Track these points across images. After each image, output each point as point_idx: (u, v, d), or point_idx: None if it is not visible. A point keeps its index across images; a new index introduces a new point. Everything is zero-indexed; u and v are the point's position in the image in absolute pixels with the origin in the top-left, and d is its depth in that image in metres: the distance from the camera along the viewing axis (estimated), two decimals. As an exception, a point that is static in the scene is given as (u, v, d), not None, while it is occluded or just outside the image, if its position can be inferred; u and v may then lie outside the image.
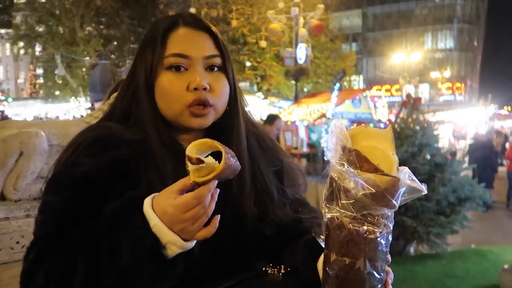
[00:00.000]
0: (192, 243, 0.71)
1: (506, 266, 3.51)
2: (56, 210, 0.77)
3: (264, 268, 0.88)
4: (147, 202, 0.70)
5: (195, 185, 0.68)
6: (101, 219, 0.72)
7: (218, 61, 0.87)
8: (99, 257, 0.69)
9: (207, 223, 0.70)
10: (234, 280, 0.84)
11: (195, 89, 0.83)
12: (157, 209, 0.69)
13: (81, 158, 0.79)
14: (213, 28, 0.89)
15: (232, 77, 0.90)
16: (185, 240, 0.69)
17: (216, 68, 0.87)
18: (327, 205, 0.69)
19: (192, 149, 0.69)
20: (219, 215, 0.71)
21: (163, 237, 0.68)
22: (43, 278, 0.71)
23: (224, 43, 0.90)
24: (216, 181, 0.68)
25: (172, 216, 0.67)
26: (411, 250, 4.59)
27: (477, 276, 3.97)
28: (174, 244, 0.68)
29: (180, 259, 0.71)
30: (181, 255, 0.71)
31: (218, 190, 0.70)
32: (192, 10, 16.79)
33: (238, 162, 0.70)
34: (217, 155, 0.69)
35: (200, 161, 0.67)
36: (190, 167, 0.68)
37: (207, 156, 0.70)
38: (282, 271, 0.87)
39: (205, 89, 0.83)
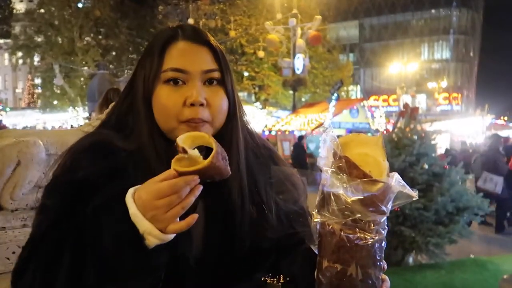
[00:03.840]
0: (170, 236, 0.69)
1: (505, 276, 3.49)
2: (52, 212, 0.77)
3: (263, 278, 0.87)
4: (130, 191, 0.70)
5: (178, 176, 0.66)
6: (87, 213, 0.73)
7: (216, 75, 0.86)
8: (83, 246, 0.69)
9: (184, 218, 0.68)
10: (232, 290, 0.83)
11: (192, 104, 0.82)
12: (136, 197, 0.69)
13: (78, 163, 0.80)
14: (213, 42, 0.88)
15: (232, 90, 0.89)
16: (161, 231, 0.68)
17: (214, 82, 0.87)
18: (318, 211, 0.70)
19: (185, 139, 0.68)
20: (197, 215, 0.69)
21: (140, 226, 0.67)
22: (31, 275, 0.72)
23: (225, 56, 0.89)
24: (197, 177, 0.66)
25: (144, 202, 0.67)
26: (410, 260, 4.57)
27: (477, 286, 3.95)
28: (150, 234, 0.67)
29: (163, 253, 0.70)
30: (164, 250, 0.70)
31: (201, 187, 0.68)
32: (191, 21, 16.92)
33: (228, 168, 0.69)
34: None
35: (185, 151, 0.66)
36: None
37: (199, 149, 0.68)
38: (282, 281, 0.87)
39: (202, 104, 0.83)
